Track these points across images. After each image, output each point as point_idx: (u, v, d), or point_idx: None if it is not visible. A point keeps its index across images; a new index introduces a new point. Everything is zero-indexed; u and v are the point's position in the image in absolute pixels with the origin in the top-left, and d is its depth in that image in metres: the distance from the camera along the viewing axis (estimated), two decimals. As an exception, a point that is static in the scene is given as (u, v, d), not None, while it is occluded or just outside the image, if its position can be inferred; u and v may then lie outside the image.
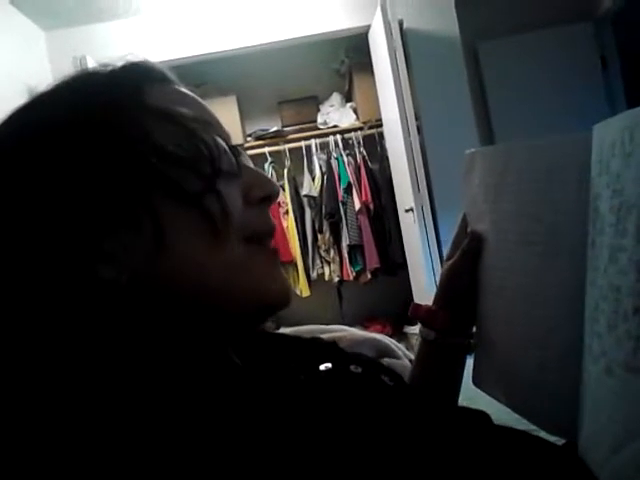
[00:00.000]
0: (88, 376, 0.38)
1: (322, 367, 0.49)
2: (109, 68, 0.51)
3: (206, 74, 3.76)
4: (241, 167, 0.51)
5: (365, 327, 4.04)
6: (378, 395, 0.47)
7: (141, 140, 0.46)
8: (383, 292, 4.02)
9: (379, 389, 0.49)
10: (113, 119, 0.46)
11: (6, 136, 0.46)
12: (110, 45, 3.34)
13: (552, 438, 0.58)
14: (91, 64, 3.01)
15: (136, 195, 0.44)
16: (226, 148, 0.50)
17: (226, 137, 0.52)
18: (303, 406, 0.40)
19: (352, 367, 0.51)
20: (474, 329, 0.74)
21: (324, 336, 1.02)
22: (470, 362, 0.74)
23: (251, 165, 0.53)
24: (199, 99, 0.54)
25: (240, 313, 0.49)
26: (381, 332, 3.81)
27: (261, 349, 0.55)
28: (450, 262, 0.72)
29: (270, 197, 0.53)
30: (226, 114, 3.81)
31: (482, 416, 0.53)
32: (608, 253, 0.45)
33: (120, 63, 0.52)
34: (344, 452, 0.37)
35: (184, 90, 0.53)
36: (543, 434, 0.59)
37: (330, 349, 0.57)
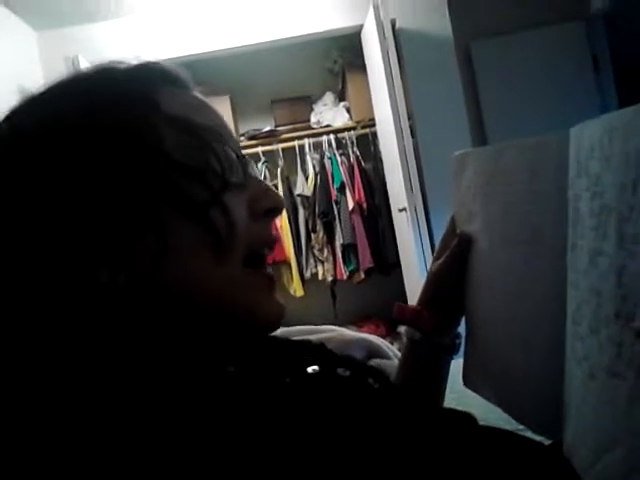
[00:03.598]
0: (82, 377, 0.38)
1: (309, 370, 0.49)
2: (124, 66, 0.50)
3: (199, 74, 3.71)
4: (248, 179, 0.51)
5: (359, 327, 4.04)
6: (363, 399, 0.47)
7: (152, 146, 0.45)
8: (377, 292, 4.02)
9: (365, 393, 0.49)
10: (125, 122, 0.45)
11: (12, 134, 0.45)
12: (103, 45, 3.32)
13: (539, 438, 0.58)
14: (83, 64, 2.99)
15: (142, 201, 0.44)
16: (234, 159, 0.50)
17: (235, 146, 0.52)
18: (289, 410, 0.40)
19: (340, 370, 0.51)
20: (459, 330, 0.75)
21: (314, 337, 1.02)
22: (457, 362, 0.75)
23: (257, 174, 0.54)
24: (211, 106, 0.53)
25: (235, 326, 0.50)
26: (375, 332, 3.81)
27: (251, 352, 0.55)
28: (438, 263, 0.72)
29: (275, 210, 0.53)
30: (219, 114, 3.79)
31: (467, 417, 0.53)
32: (588, 256, 0.45)
33: (135, 62, 0.51)
34: (327, 456, 0.37)
35: (198, 96, 0.53)
36: (530, 434, 0.59)
37: (318, 351, 0.57)
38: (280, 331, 0.55)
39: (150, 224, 0.44)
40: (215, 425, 0.37)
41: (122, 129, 0.45)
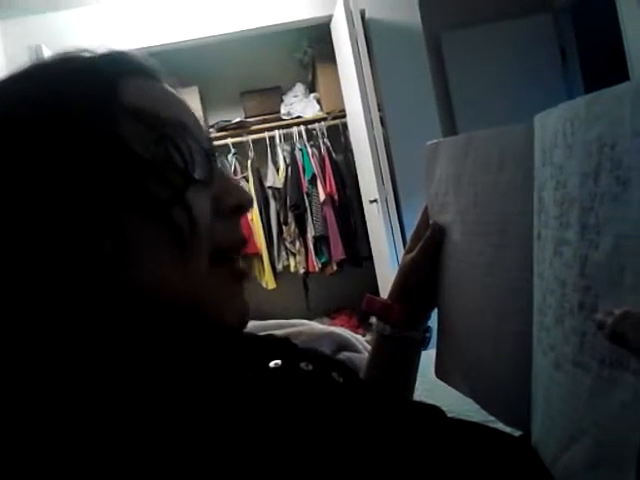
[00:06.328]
0: (43, 378, 0.37)
1: (272, 364, 0.48)
2: (87, 55, 0.48)
3: (167, 65, 3.63)
4: (214, 175, 0.48)
5: (331, 319, 4.05)
6: (326, 393, 0.47)
7: (110, 140, 0.43)
8: (349, 283, 4.03)
9: (328, 387, 0.49)
10: (83, 114, 0.43)
11: None
12: (67, 34, 3.24)
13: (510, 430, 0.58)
14: (47, 54, 2.92)
15: (97, 198, 0.42)
16: (201, 154, 0.48)
17: (203, 139, 0.49)
18: (251, 405, 0.40)
19: (303, 364, 0.50)
20: (430, 323, 0.74)
21: (283, 331, 1.01)
22: (429, 352, 0.75)
23: (225, 170, 0.51)
24: (180, 98, 0.51)
25: (200, 324, 0.48)
26: (347, 323, 3.83)
27: (213, 347, 0.54)
28: (410, 255, 0.71)
29: (242, 207, 0.50)
30: (188, 105, 3.76)
31: (435, 411, 0.53)
32: (553, 246, 0.45)
33: (100, 50, 0.48)
34: (287, 451, 0.37)
35: (165, 87, 0.51)
36: (501, 426, 0.59)
37: (282, 345, 0.56)
38: (250, 325, 0.54)
39: (107, 222, 0.42)
40: (178, 422, 0.36)
41: (79, 121, 0.43)
